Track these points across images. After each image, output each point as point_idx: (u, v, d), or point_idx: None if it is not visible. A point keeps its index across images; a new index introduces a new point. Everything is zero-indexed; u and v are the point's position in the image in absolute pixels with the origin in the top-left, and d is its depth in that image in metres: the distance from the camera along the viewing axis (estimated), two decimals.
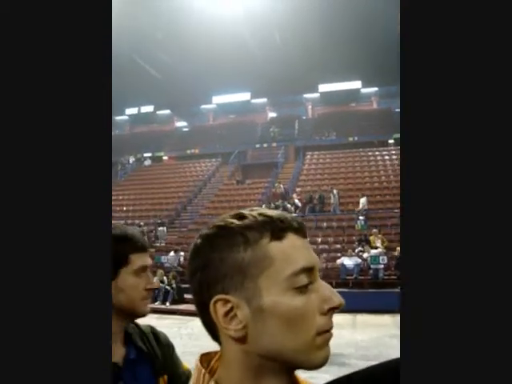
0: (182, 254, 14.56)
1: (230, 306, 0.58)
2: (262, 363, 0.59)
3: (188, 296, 12.27)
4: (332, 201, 16.69)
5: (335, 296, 0.59)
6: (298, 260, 0.58)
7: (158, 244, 16.68)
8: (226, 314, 0.58)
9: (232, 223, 0.60)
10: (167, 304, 11.80)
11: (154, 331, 1.27)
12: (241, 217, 0.61)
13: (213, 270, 0.59)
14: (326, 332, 0.59)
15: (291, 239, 0.60)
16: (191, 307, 11.10)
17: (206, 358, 0.64)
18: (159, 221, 18.15)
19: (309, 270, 0.59)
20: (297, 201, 17.10)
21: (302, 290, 0.58)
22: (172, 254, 14.45)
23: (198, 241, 0.63)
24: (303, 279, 0.58)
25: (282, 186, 18.20)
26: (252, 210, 0.63)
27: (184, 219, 18.90)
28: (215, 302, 0.58)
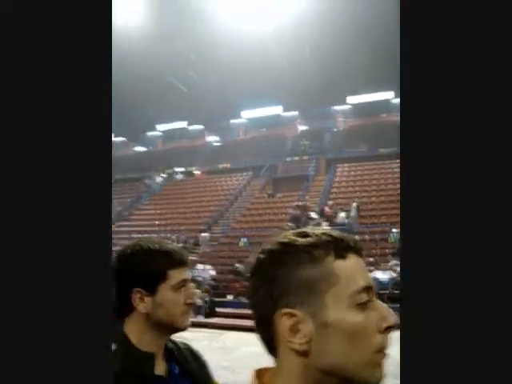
0: (210, 267, 14.52)
1: (295, 320, 0.60)
2: (321, 378, 0.61)
3: (220, 310, 12.25)
4: (352, 214, 16.48)
5: (391, 315, 0.61)
6: (360, 279, 0.62)
7: (198, 251, 17.01)
8: (291, 327, 0.60)
9: (297, 241, 0.64)
10: (200, 317, 11.81)
11: (189, 348, 1.27)
12: (304, 235, 0.64)
13: (278, 285, 0.62)
14: (383, 350, 0.61)
15: (353, 259, 0.63)
16: (223, 321, 11.11)
17: (257, 375, 0.67)
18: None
19: (368, 289, 0.62)
20: (312, 214, 16.89)
21: (363, 307, 0.60)
22: (200, 266, 14.43)
23: (262, 256, 0.65)
24: (364, 297, 0.61)
25: (300, 203, 17.90)
26: (313, 229, 0.66)
27: (215, 233, 18.98)
28: (281, 315, 0.61)
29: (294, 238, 0.64)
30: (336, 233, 0.65)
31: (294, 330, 0.60)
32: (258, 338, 0.66)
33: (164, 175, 26.81)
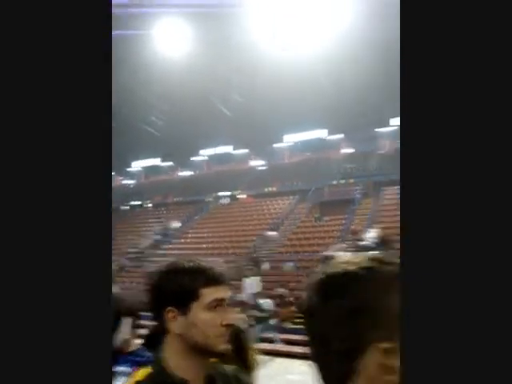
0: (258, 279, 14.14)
1: None
2: None
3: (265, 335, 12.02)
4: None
5: None
6: None
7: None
8: None
9: None
10: None
11: (237, 376, 1.18)
12: None
13: None
14: None
15: None
16: (268, 346, 10.87)
17: None
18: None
19: None
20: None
21: None
22: (249, 281, 13.94)
23: None
24: None
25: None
26: None
27: (262, 257, 18.90)
28: None
29: None
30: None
31: None
32: None
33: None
